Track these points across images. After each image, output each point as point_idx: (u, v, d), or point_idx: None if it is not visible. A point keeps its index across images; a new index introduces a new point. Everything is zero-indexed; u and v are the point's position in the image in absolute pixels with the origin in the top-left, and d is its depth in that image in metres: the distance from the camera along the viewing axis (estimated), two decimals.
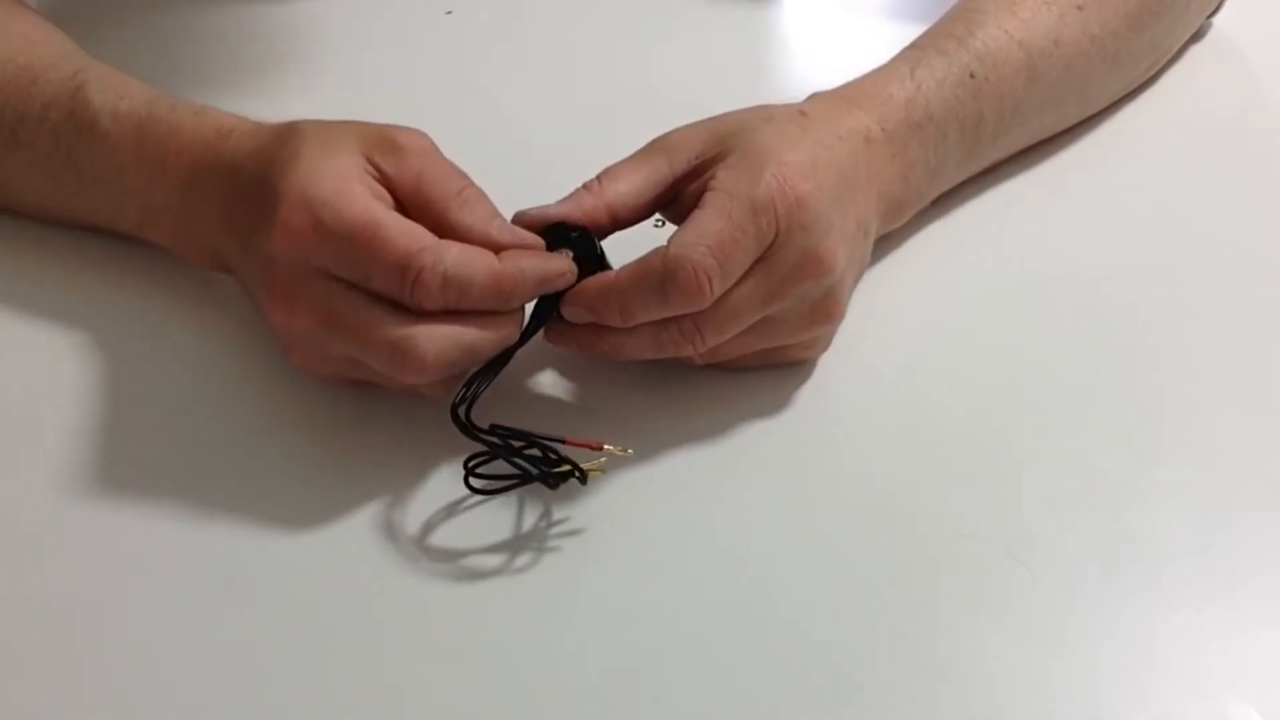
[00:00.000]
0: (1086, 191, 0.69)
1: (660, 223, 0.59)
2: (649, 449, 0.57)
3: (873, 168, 0.59)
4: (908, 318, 0.63)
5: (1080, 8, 0.67)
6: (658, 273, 0.53)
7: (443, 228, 0.54)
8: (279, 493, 0.56)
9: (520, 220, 0.56)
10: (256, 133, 0.58)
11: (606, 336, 0.56)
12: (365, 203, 0.53)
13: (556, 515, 0.55)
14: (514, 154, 0.70)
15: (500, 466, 0.54)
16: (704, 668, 0.51)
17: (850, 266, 0.58)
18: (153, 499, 0.56)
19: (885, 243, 0.64)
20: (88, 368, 0.61)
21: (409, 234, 0.53)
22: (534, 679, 0.50)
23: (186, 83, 0.71)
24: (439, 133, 0.58)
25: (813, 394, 0.60)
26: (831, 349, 0.60)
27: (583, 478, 0.54)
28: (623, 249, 0.57)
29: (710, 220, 0.54)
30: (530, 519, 0.55)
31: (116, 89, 0.62)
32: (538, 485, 0.54)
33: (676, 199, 0.57)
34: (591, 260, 0.56)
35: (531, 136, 0.72)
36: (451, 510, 0.55)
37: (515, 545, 0.54)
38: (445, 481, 0.56)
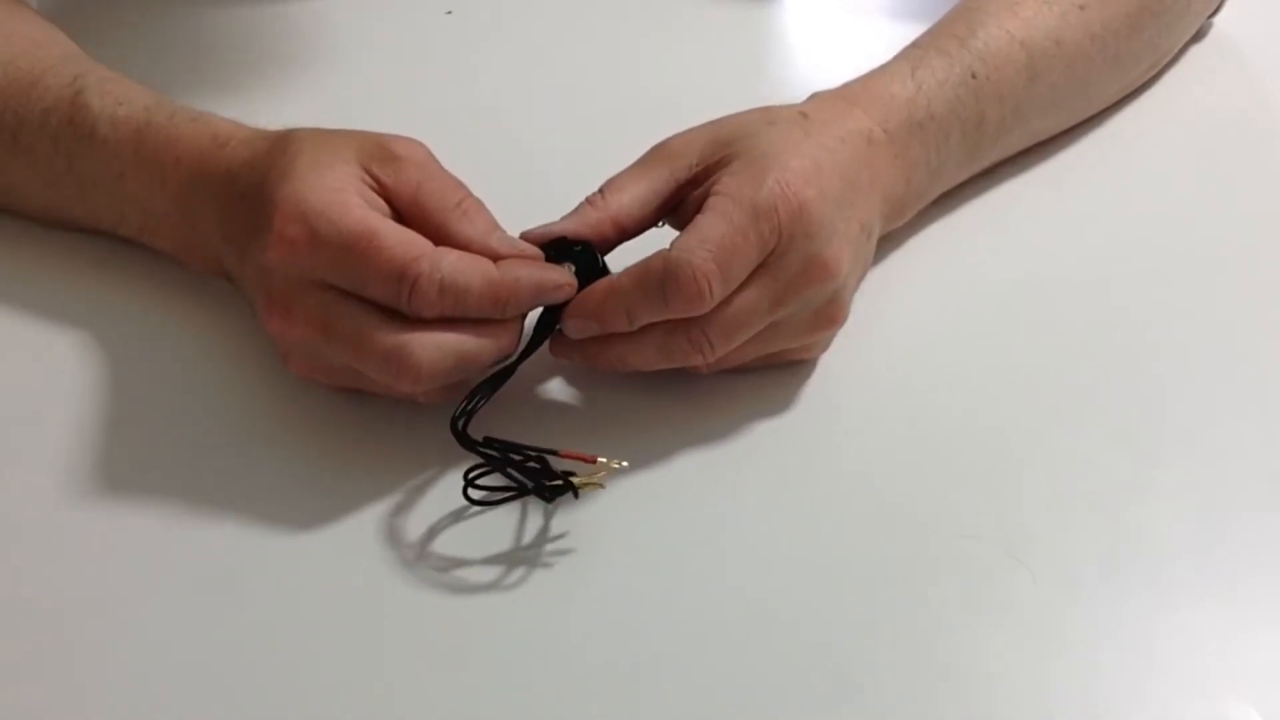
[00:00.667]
0: (1086, 192, 0.69)
1: (661, 223, 0.58)
2: (650, 450, 0.57)
3: (875, 169, 0.59)
4: (907, 318, 0.63)
5: (1082, 7, 0.67)
6: (658, 275, 0.53)
7: (442, 239, 0.54)
8: (279, 494, 0.56)
9: (526, 238, 0.56)
10: (253, 141, 0.58)
11: (613, 347, 0.56)
12: (361, 212, 0.53)
13: (559, 517, 0.55)
14: (513, 154, 0.70)
15: (499, 477, 0.54)
16: (704, 667, 0.51)
17: (854, 270, 0.58)
18: (152, 500, 0.56)
19: (886, 243, 0.64)
20: (88, 369, 0.61)
21: (406, 242, 0.53)
22: (535, 679, 0.50)
23: (186, 83, 0.71)
24: (438, 133, 0.58)
25: (813, 394, 0.60)
26: (832, 349, 0.60)
27: (575, 491, 0.54)
28: (625, 254, 0.57)
29: (712, 224, 0.54)
30: (533, 520, 0.55)
31: (115, 94, 0.62)
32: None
33: (680, 205, 0.57)
34: (594, 275, 0.56)
35: (531, 136, 0.72)
36: (453, 515, 0.55)
37: (518, 547, 0.54)
38: (446, 486, 0.56)
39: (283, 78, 0.76)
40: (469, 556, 0.54)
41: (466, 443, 0.54)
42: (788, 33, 0.82)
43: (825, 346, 0.60)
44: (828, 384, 0.60)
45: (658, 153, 0.58)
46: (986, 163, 0.67)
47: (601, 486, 0.55)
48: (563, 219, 0.57)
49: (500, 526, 0.55)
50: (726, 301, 0.54)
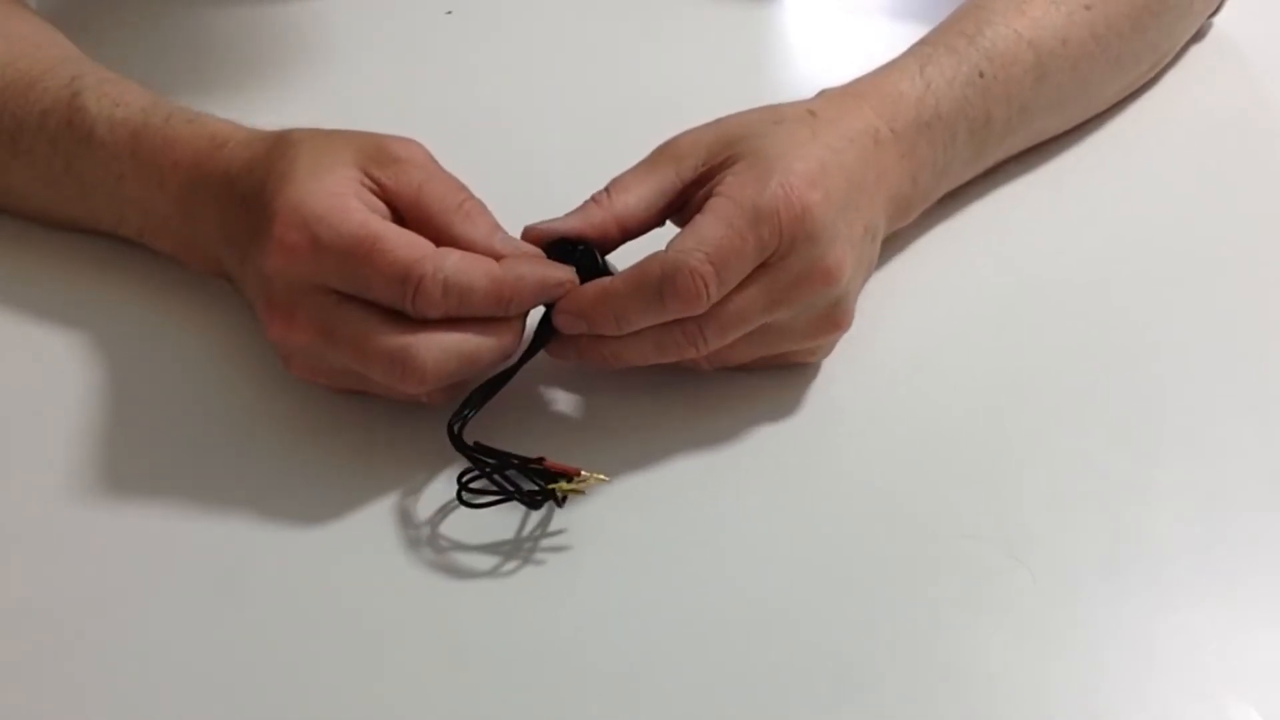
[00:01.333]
0: (1087, 192, 0.69)
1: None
2: (652, 450, 0.57)
3: (881, 168, 0.59)
4: (907, 319, 0.63)
5: (1088, 7, 0.67)
6: (656, 277, 0.53)
7: (445, 240, 0.54)
8: (279, 494, 0.56)
9: (529, 234, 0.56)
10: (250, 143, 0.58)
11: (609, 343, 0.56)
12: (361, 216, 0.53)
13: (561, 517, 0.55)
14: (514, 154, 0.70)
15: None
16: (704, 667, 0.51)
17: (857, 274, 0.58)
18: (151, 500, 0.56)
19: (888, 243, 0.63)
20: (88, 369, 0.61)
21: (408, 244, 0.53)
22: (536, 679, 0.50)
23: (187, 83, 0.71)
24: (439, 133, 0.58)
25: (815, 394, 0.60)
26: (834, 349, 0.60)
27: (559, 501, 0.54)
28: (627, 251, 0.57)
29: (710, 226, 0.53)
30: (536, 519, 0.55)
31: (112, 96, 0.62)
32: None
33: (685, 205, 0.57)
34: (595, 275, 0.56)
35: (531, 136, 0.72)
36: (454, 513, 0.55)
37: (519, 546, 0.54)
38: (447, 485, 0.56)
39: (283, 78, 0.76)
40: (469, 555, 0.54)
41: (461, 447, 0.54)
42: (788, 33, 0.82)
43: (829, 350, 0.60)
44: (829, 384, 0.60)
45: (663, 152, 0.58)
46: (991, 162, 0.67)
47: (582, 493, 0.54)
48: (567, 216, 0.57)
49: (502, 525, 0.55)
50: (724, 299, 0.54)
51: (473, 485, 0.54)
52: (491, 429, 0.55)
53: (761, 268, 0.54)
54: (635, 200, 0.56)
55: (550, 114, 0.74)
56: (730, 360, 0.58)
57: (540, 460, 0.54)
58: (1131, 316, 0.64)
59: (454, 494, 0.54)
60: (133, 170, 0.61)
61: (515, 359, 0.56)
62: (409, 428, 0.57)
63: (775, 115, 0.58)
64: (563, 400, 0.60)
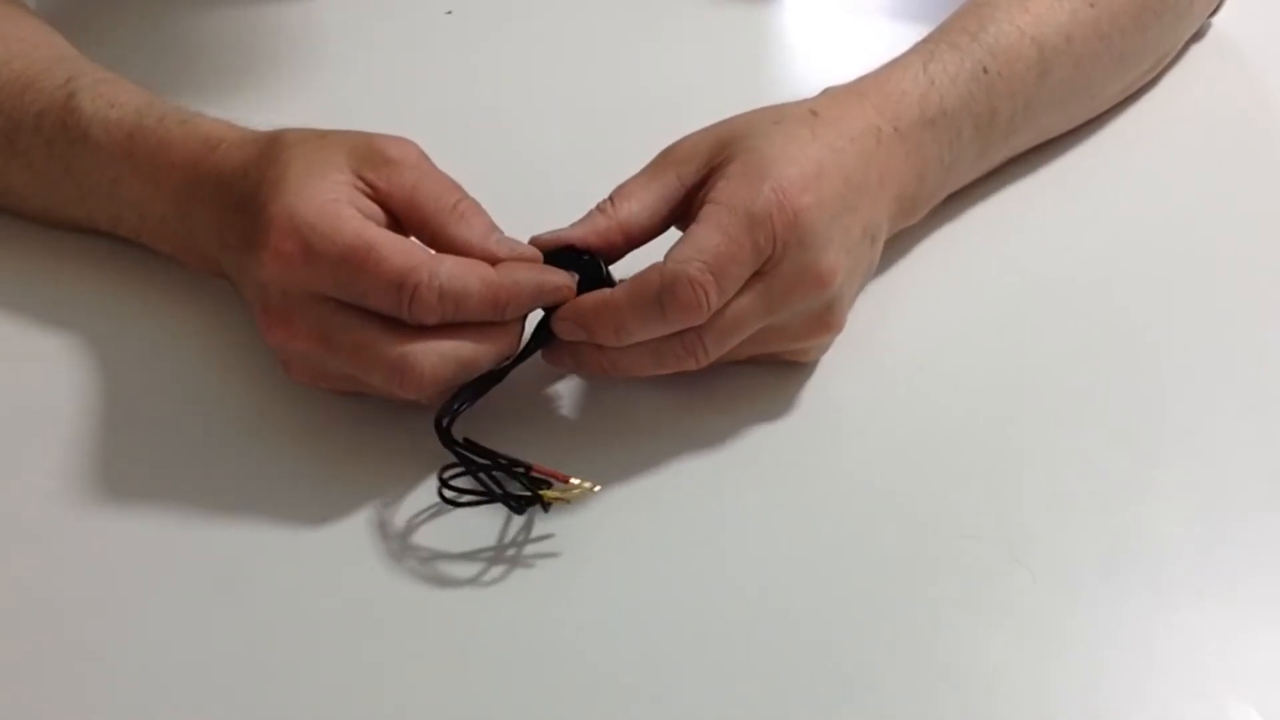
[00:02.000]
0: (1086, 192, 0.69)
1: None
2: (650, 450, 0.57)
3: (885, 168, 0.59)
4: (907, 318, 0.63)
5: (1091, 5, 0.66)
6: (656, 289, 0.53)
7: (440, 242, 0.54)
8: (278, 494, 0.56)
9: (535, 244, 0.56)
10: (243, 144, 0.58)
11: (607, 354, 0.56)
12: (356, 224, 0.53)
13: (561, 516, 0.55)
14: (514, 155, 0.70)
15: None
16: (703, 667, 0.51)
17: (851, 278, 0.58)
18: (150, 501, 0.56)
19: (888, 243, 0.63)
20: (87, 370, 0.61)
21: (403, 251, 0.52)
22: (536, 679, 0.50)
23: (185, 83, 0.71)
24: (438, 134, 0.58)
25: (813, 394, 0.60)
26: (832, 349, 0.60)
27: (544, 506, 0.54)
28: (632, 262, 0.57)
29: (707, 235, 0.53)
30: (535, 519, 0.55)
31: (107, 97, 0.62)
32: None
33: (689, 211, 0.57)
34: (597, 285, 0.56)
35: (531, 137, 0.72)
36: (452, 514, 0.55)
37: (516, 546, 0.54)
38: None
39: (283, 78, 0.76)
40: (469, 549, 0.54)
41: (448, 442, 0.54)
42: (788, 33, 0.82)
43: (823, 350, 0.60)
44: (828, 384, 0.60)
45: (666, 158, 0.58)
46: (998, 160, 0.67)
47: (569, 502, 0.54)
48: (572, 226, 0.56)
49: (498, 526, 0.55)
50: (721, 308, 0.54)
51: (456, 483, 0.54)
52: (483, 426, 0.55)
53: (756, 274, 0.54)
54: (639, 208, 0.56)
55: (550, 114, 0.74)
56: (721, 358, 0.57)
57: (528, 467, 0.54)
58: (1131, 316, 0.64)
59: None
60: (128, 172, 0.61)
61: (512, 354, 0.56)
62: (405, 427, 0.57)
63: (776, 115, 0.58)
64: (557, 398, 0.60)
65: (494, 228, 0.55)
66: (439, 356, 0.53)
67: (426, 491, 0.56)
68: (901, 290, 0.64)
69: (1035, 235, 0.67)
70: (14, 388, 0.61)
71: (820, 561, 0.54)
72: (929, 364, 0.61)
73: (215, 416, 0.59)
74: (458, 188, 0.56)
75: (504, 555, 0.54)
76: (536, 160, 0.70)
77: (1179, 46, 0.75)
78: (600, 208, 0.57)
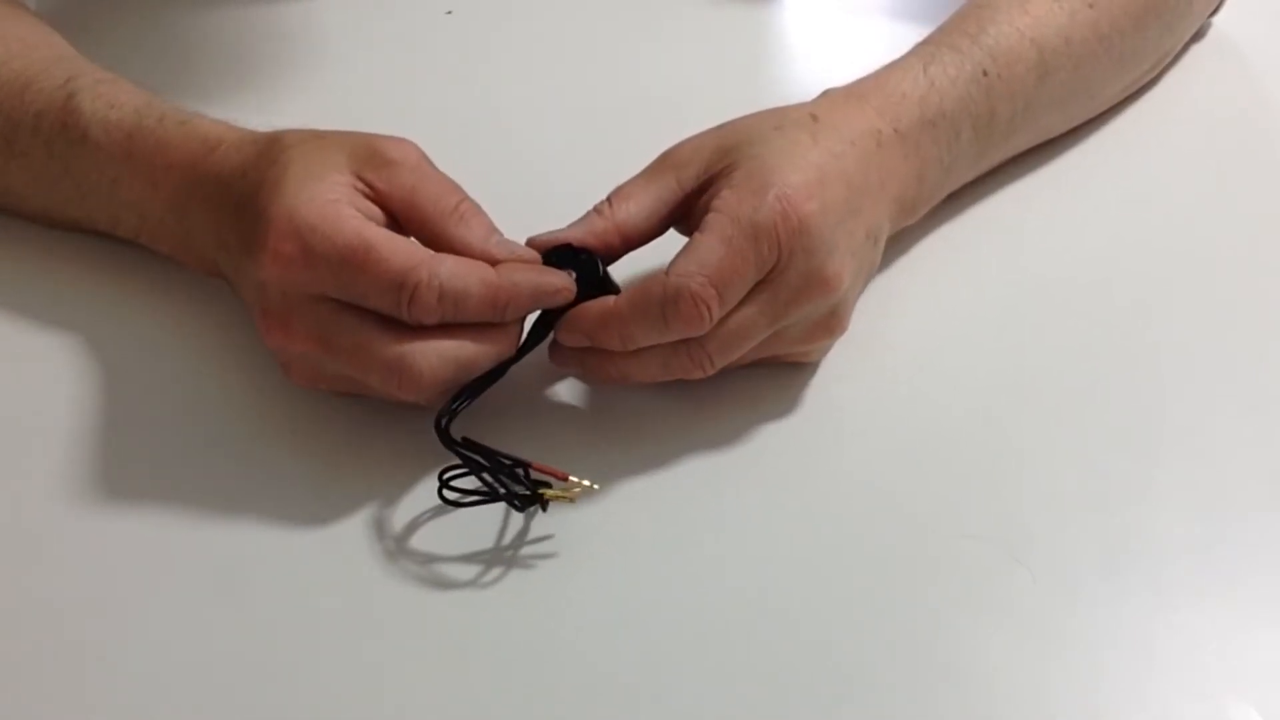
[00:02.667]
0: (1087, 192, 0.69)
1: None
2: (651, 450, 0.57)
3: (885, 170, 0.59)
4: (908, 319, 0.63)
5: (1091, 5, 0.67)
6: (658, 300, 0.53)
7: (440, 243, 0.54)
8: (276, 496, 0.56)
9: (532, 244, 0.56)
10: (241, 145, 0.58)
11: (614, 361, 0.56)
12: (355, 224, 0.53)
13: (561, 515, 0.55)
14: (513, 155, 0.70)
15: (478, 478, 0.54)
16: (703, 667, 0.51)
17: (856, 281, 0.58)
18: (150, 502, 0.56)
19: (889, 243, 0.63)
20: (85, 370, 0.61)
21: (402, 251, 0.52)
22: (534, 679, 0.50)
23: (185, 83, 0.71)
24: (438, 134, 0.58)
25: (815, 394, 0.60)
26: (834, 349, 0.60)
27: (544, 505, 0.54)
28: (630, 261, 0.57)
29: (710, 246, 0.53)
30: (536, 518, 0.55)
31: (106, 97, 0.62)
32: None
33: (688, 214, 0.57)
34: (595, 284, 0.56)
35: (531, 137, 0.72)
36: (450, 515, 0.55)
37: (514, 546, 0.54)
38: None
39: (284, 78, 0.76)
40: (468, 550, 0.54)
41: (447, 442, 0.54)
42: (788, 33, 0.82)
43: (824, 352, 0.60)
44: (829, 384, 0.60)
45: (665, 161, 0.58)
46: (996, 160, 0.67)
47: (571, 501, 0.54)
48: (570, 226, 0.57)
49: (497, 527, 0.55)
50: (726, 317, 0.54)
51: (457, 484, 0.54)
52: (483, 425, 0.55)
53: (761, 282, 0.54)
54: (637, 209, 0.56)
55: (550, 115, 0.74)
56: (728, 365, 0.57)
57: (527, 466, 0.54)
58: (1131, 316, 0.64)
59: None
60: (128, 173, 0.61)
61: (510, 355, 0.56)
62: (404, 428, 0.57)
63: (776, 120, 0.58)
64: (557, 398, 0.60)
65: (494, 230, 0.55)
66: (438, 357, 0.53)
67: (425, 492, 0.56)
68: (902, 290, 0.64)
69: (1035, 235, 0.67)
70: (14, 388, 0.61)
71: (820, 561, 0.54)
72: (929, 364, 0.61)
73: (215, 417, 0.59)
74: (458, 189, 0.56)
75: (503, 556, 0.54)
76: (536, 160, 0.70)
77: (1179, 47, 0.75)
78: (598, 209, 0.57)
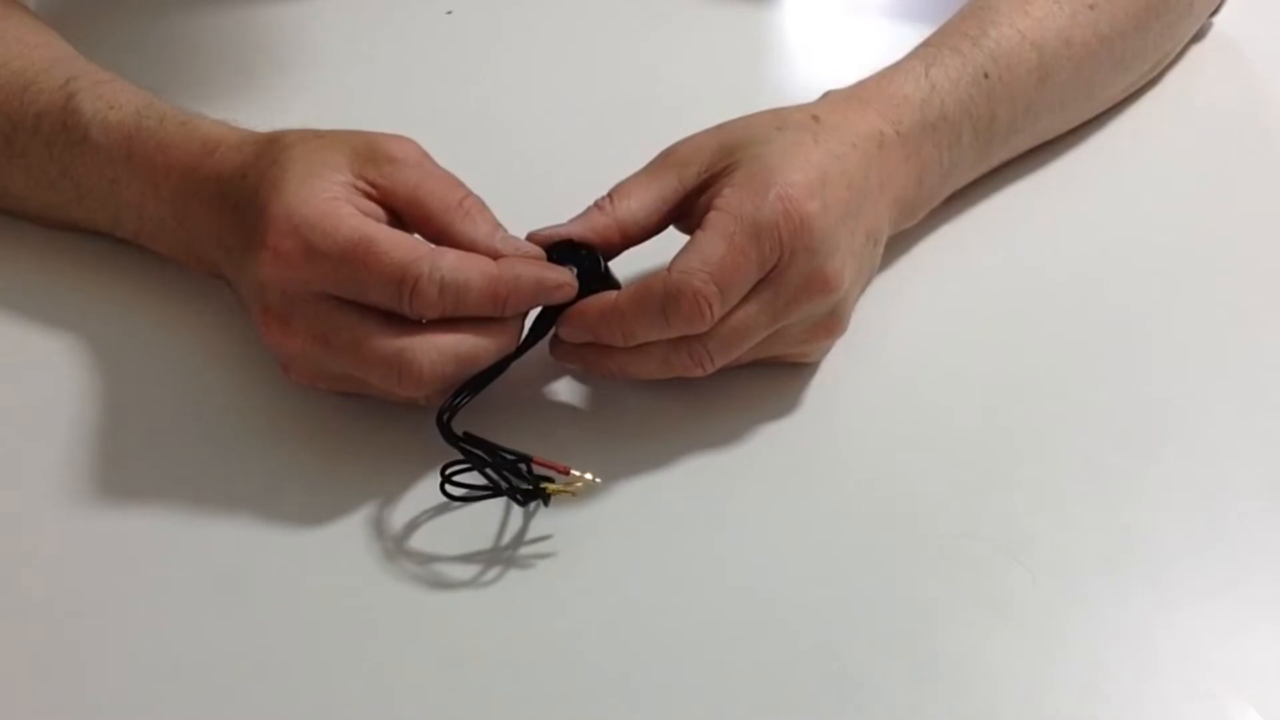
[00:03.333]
0: (1086, 193, 0.69)
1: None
2: (651, 449, 0.57)
3: (885, 172, 0.59)
4: (908, 319, 0.63)
5: (1091, 7, 0.67)
6: (659, 297, 0.53)
7: (444, 239, 0.54)
8: (277, 495, 0.56)
9: (532, 239, 0.56)
10: (241, 146, 0.58)
11: (615, 357, 0.56)
12: (355, 221, 0.53)
13: (561, 514, 0.55)
14: (513, 154, 0.70)
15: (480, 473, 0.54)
16: (703, 666, 0.51)
17: (856, 281, 0.58)
18: (150, 501, 0.56)
19: (890, 244, 0.63)
20: (85, 370, 0.61)
21: (403, 245, 0.52)
22: (534, 677, 0.50)
23: (185, 83, 0.71)
24: (438, 134, 0.58)
25: (814, 394, 0.60)
26: (834, 349, 0.60)
27: (546, 499, 0.54)
28: (629, 257, 0.57)
29: (712, 244, 0.53)
30: (536, 517, 0.55)
31: (106, 98, 0.62)
32: None
33: (688, 212, 0.57)
34: (596, 280, 0.56)
35: (531, 137, 0.72)
36: (451, 513, 0.55)
37: (514, 545, 0.54)
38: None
39: (284, 78, 0.76)
40: (466, 554, 0.54)
41: (449, 437, 0.54)
42: (788, 33, 0.82)
43: (824, 352, 0.60)
44: (829, 384, 0.60)
45: (667, 159, 0.58)
46: (996, 162, 0.67)
47: (574, 495, 0.54)
48: (570, 222, 0.57)
49: (498, 525, 0.55)
50: (727, 316, 0.54)
51: (460, 479, 0.54)
52: (485, 421, 0.55)
53: (762, 281, 0.55)
54: (638, 206, 0.56)
55: (550, 114, 0.74)
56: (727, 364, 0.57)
57: (529, 460, 0.54)
58: (1131, 316, 0.64)
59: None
60: (127, 174, 0.61)
61: (511, 350, 0.56)
62: (404, 427, 0.57)
63: (778, 120, 0.58)
64: (559, 395, 0.60)
65: (499, 226, 0.56)
66: (438, 352, 0.53)
67: (425, 491, 0.56)
68: (902, 290, 0.64)
69: (1035, 235, 0.67)
70: (14, 388, 0.61)
71: (820, 560, 0.54)
72: (929, 364, 0.61)
73: (215, 416, 0.59)
74: (461, 185, 0.56)
75: (503, 554, 0.54)
76: (536, 160, 0.70)
77: (1179, 47, 0.75)
78: (599, 205, 0.57)
